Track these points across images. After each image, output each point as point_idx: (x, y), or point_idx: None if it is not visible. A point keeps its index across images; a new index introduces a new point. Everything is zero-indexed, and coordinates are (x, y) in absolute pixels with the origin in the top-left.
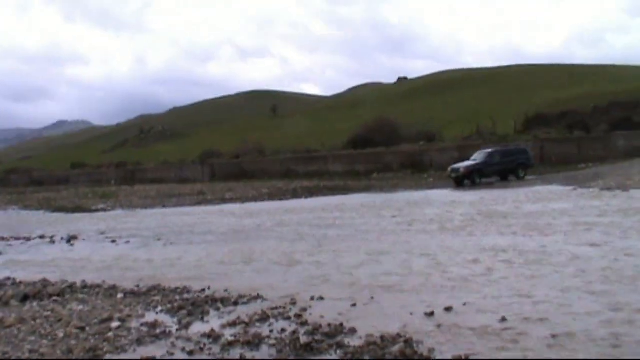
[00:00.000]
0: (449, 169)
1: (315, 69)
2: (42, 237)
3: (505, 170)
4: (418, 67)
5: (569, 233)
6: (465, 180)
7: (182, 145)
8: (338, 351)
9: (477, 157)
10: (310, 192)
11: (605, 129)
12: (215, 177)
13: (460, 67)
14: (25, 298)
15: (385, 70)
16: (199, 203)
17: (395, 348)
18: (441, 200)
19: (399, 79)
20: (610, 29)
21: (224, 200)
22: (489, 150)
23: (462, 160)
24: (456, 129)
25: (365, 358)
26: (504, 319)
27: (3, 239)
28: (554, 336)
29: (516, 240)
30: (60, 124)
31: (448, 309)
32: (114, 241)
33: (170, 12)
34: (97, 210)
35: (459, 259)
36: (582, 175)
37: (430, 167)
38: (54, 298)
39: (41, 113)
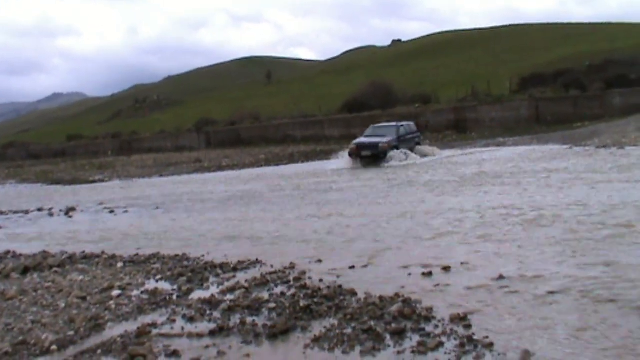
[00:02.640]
0: (354, 145)
1: (309, 34)
2: (40, 209)
3: (408, 147)
4: (413, 29)
5: (565, 190)
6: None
7: (178, 113)
8: (337, 313)
9: (380, 133)
10: (307, 157)
11: (601, 87)
12: (211, 144)
13: (455, 28)
14: (25, 270)
15: (380, 33)
16: (196, 171)
17: (394, 308)
18: (436, 161)
19: (393, 41)
20: None
21: (220, 168)
22: (392, 124)
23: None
24: (451, 91)
25: (364, 318)
26: (501, 277)
27: (1, 212)
28: (550, 293)
29: (516, 198)
30: (55, 96)
31: (446, 269)
32: (112, 211)
33: None
34: (94, 182)
35: (457, 218)
36: (578, 133)
37: (426, 128)
38: (55, 269)
39: (35, 86)
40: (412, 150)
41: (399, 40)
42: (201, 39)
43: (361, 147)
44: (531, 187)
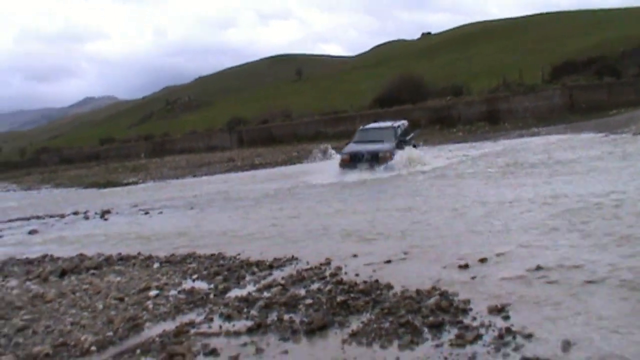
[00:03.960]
0: (346, 155)
1: (337, 29)
2: (75, 213)
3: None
4: (441, 21)
5: (601, 180)
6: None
7: (209, 114)
8: (374, 307)
9: (375, 137)
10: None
11: (635, 72)
12: (243, 143)
13: (484, 18)
14: (63, 273)
15: (408, 26)
16: (229, 170)
17: (431, 301)
18: (471, 152)
19: (423, 34)
20: None
21: (253, 166)
22: (387, 125)
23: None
24: (483, 82)
25: (401, 312)
26: (539, 267)
27: (38, 217)
28: (588, 282)
29: (552, 187)
30: (88, 100)
31: (482, 261)
32: (147, 213)
33: None
34: (128, 184)
35: (492, 209)
36: (613, 121)
37: (458, 121)
38: (92, 271)
39: (67, 91)
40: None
41: (429, 33)
42: (229, 38)
43: (356, 157)
44: (565, 177)
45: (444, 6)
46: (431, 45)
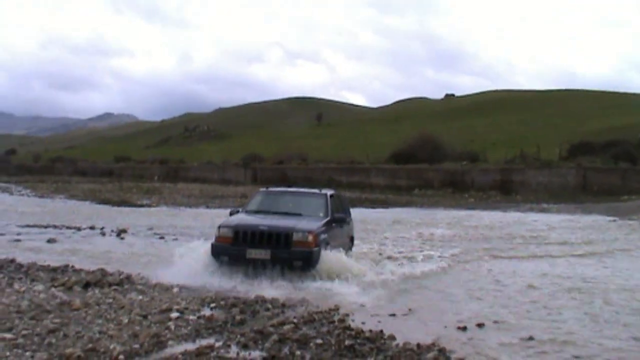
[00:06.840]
0: (228, 229)
1: (362, 79)
2: (92, 228)
3: (341, 244)
4: (466, 84)
5: (604, 263)
6: None
7: (226, 146)
8: (379, 354)
9: (290, 207)
10: (352, 203)
11: None
12: (257, 181)
13: (509, 87)
14: (87, 285)
15: (432, 84)
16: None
17: (430, 355)
18: (485, 218)
19: (446, 95)
20: None
21: None
22: (314, 192)
23: None
24: (500, 151)
25: None
26: (531, 338)
27: (55, 226)
28: (576, 357)
29: (556, 266)
30: (107, 116)
31: (480, 325)
32: (162, 237)
33: (216, 9)
34: (142, 206)
35: (493, 279)
36: (624, 207)
37: (471, 187)
38: (114, 287)
39: (87, 104)
40: (347, 249)
41: (452, 95)
42: (254, 72)
43: (247, 237)
44: (569, 258)
45: (470, 69)
46: (453, 107)
